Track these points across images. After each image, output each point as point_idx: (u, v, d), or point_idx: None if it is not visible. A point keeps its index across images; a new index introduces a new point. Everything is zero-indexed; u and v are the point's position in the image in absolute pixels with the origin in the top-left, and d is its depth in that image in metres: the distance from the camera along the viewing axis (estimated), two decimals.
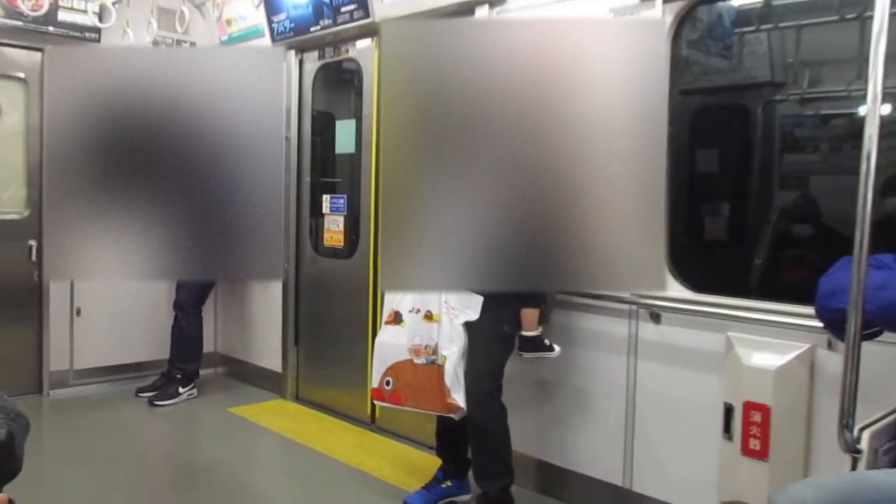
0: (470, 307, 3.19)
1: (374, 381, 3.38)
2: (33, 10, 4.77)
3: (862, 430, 1.79)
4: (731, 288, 3.09)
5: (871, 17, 1.76)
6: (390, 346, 3.33)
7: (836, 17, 3.24)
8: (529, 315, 3.27)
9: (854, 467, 1.77)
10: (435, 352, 3.20)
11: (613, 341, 3.31)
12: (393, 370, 3.32)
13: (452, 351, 3.17)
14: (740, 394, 2.78)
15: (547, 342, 3.32)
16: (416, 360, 3.25)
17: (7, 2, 4.70)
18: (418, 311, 3.28)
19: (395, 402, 3.35)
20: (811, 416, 2.72)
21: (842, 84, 3.45)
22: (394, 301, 3.37)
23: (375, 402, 3.50)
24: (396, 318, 3.33)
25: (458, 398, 3.15)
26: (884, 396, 1.99)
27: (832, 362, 2.63)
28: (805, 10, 3.48)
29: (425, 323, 3.26)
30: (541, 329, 3.31)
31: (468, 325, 3.20)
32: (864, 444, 1.76)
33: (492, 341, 3.22)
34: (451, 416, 3.21)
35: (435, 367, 3.19)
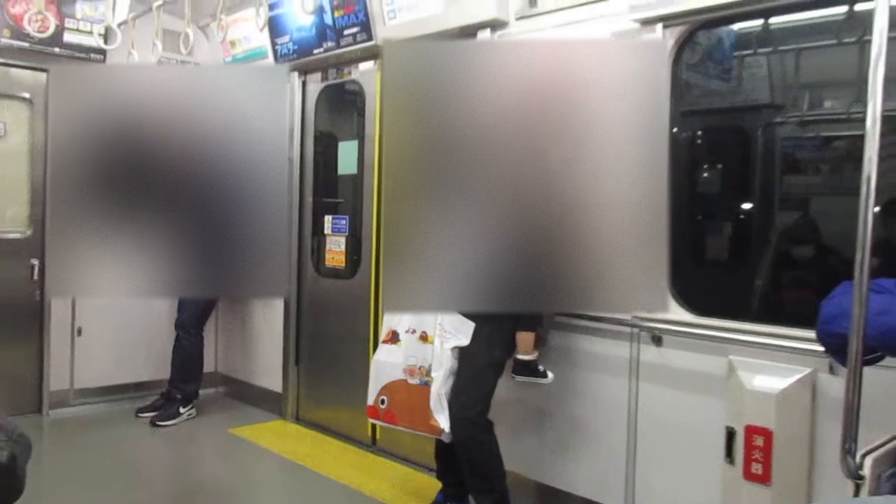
0: (462, 332, 3.19)
1: (370, 399, 3.38)
2: (39, 32, 4.81)
3: (864, 455, 1.77)
4: (732, 311, 3.09)
5: (869, 41, 1.77)
6: (386, 364, 3.34)
7: (834, 41, 3.26)
8: (525, 338, 3.26)
9: (857, 493, 1.76)
10: (428, 373, 3.21)
11: (615, 364, 3.30)
12: (388, 389, 3.32)
13: (438, 374, 3.17)
14: (742, 417, 2.76)
15: (541, 368, 3.31)
16: (411, 381, 3.25)
17: (14, 23, 4.74)
18: (414, 331, 3.29)
19: (389, 421, 3.35)
20: (814, 440, 2.70)
21: (841, 106, 3.47)
22: (392, 320, 3.38)
23: (370, 420, 3.49)
24: (394, 338, 3.34)
25: (441, 420, 3.14)
26: (886, 421, 1.98)
27: (834, 387, 2.61)
28: (804, 33, 3.50)
29: (421, 344, 3.26)
30: (536, 354, 3.30)
31: (460, 350, 3.19)
32: (866, 470, 1.75)
33: (482, 369, 3.21)
34: (440, 437, 3.21)
35: (427, 389, 3.19)
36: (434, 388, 3.16)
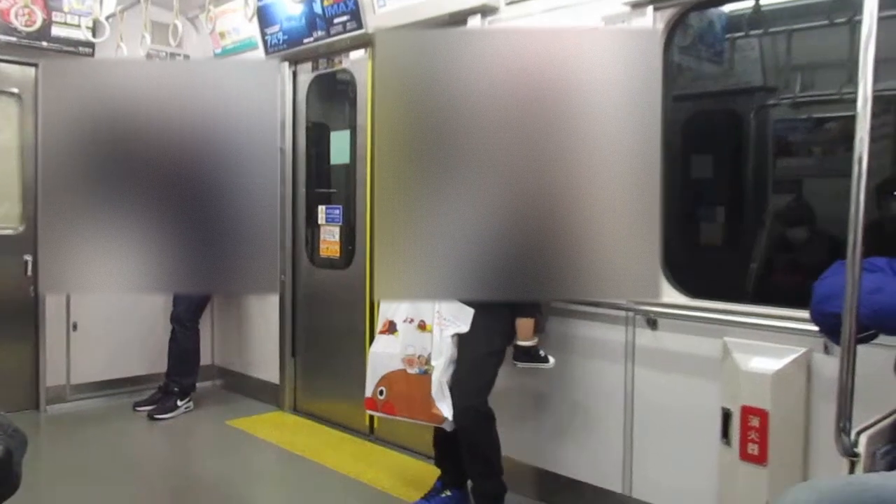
0: (461, 319, 3.19)
1: (368, 390, 3.37)
2: (27, 26, 4.77)
3: (859, 433, 1.79)
4: (726, 293, 3.10)
5: (860, 22, 1.77)
6: (384, 355, 3.32)
7: (826, 22, 3.26)
8: (524, 325, 3.26)
9: (852, 471, 1.77)
10: (428, 362, 3.21)
11: (610, 348, 3.31)
12: (386, 380, 3.31)
13: (439, 362, 3.17)
14: (738, 399, 2.78)
15: (542, 353, 3.32)
16: (410, 371, 3.25)
17: (0, 18, 4.70)
18: (412, 320, 3.28)
19: (387, 412, 3.34)
20: (809, 420, 2.72)
21: (833, 88, 3.47)
22: (388, 310, 3.37)
23: (368, 411, 3.49)
24: (391, 328, 3.33)
25: (443, 408, 3.14)
26: (881, 399, 1.99)
27: (829, 366, 2.63)
28: (795, 14, 3.50)
29: (419, 333, 3.25)
30: (536, 339, 3.31)
31: (459, 338, 3.19)
32: (861, 448, 1.76)
33: (482, 356, 3.21)
34: (441, 426, 3.21)
35: (427, 378, 3.19)
36: (435, 377, 3.16)
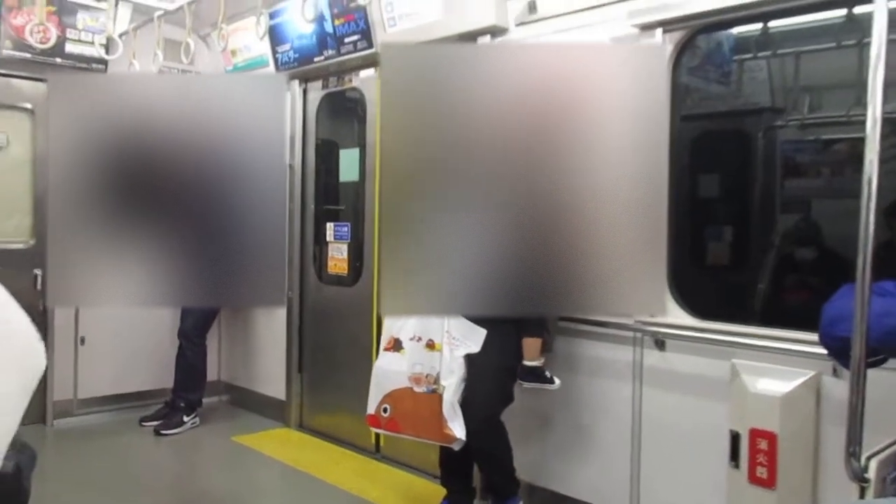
0: (471, 339, 3.17)
1: (371, 407, 3.35)
2: (41, 43, 4.83)
3: (869, 458, 1.77)
4: (735, 314, 3.08)
5: (869, 43, 1.77)
6: (389, 372, 3.31)
7: (834, 44, 3.26)
8: (531, 344, 3.25)
9: (862, 496, 1.75)
10: (437, 381, 3.18)
11: (618, 369, 3.30)
12: (391, 397, 3.29)
13: (450, 382, 3.15)
14: (746, 421, 2.76)
15: (548, 374, 3.30)
16: (417, 389, 3.23)
17: (15, 34, 4.76)
18: (419, 339, 3.26)
19: (391, 429, 3.32)
20: (818, 443, 2.69)
21: (842, 109, 3.47)
22: (393, 328, 3.36)
23: (371, 428, 3.47)
24: (396, 345, 3.31)
25: (455, 428, 3.12)
26: (891, 424, 1.97)
27: (838, 389, 2.61)
28: (804, 36, 3.51)
29: (427, 352, 3.24)
30: (543, 360, 3.29)
31: (470, 358, 3.18)
32: (871, 473, 1.74)
33: (493, 373, 3.21)
34: (451, 446, 3.19)
35: (436, 397, 3.17)
36: (447, 397, 3.14)
